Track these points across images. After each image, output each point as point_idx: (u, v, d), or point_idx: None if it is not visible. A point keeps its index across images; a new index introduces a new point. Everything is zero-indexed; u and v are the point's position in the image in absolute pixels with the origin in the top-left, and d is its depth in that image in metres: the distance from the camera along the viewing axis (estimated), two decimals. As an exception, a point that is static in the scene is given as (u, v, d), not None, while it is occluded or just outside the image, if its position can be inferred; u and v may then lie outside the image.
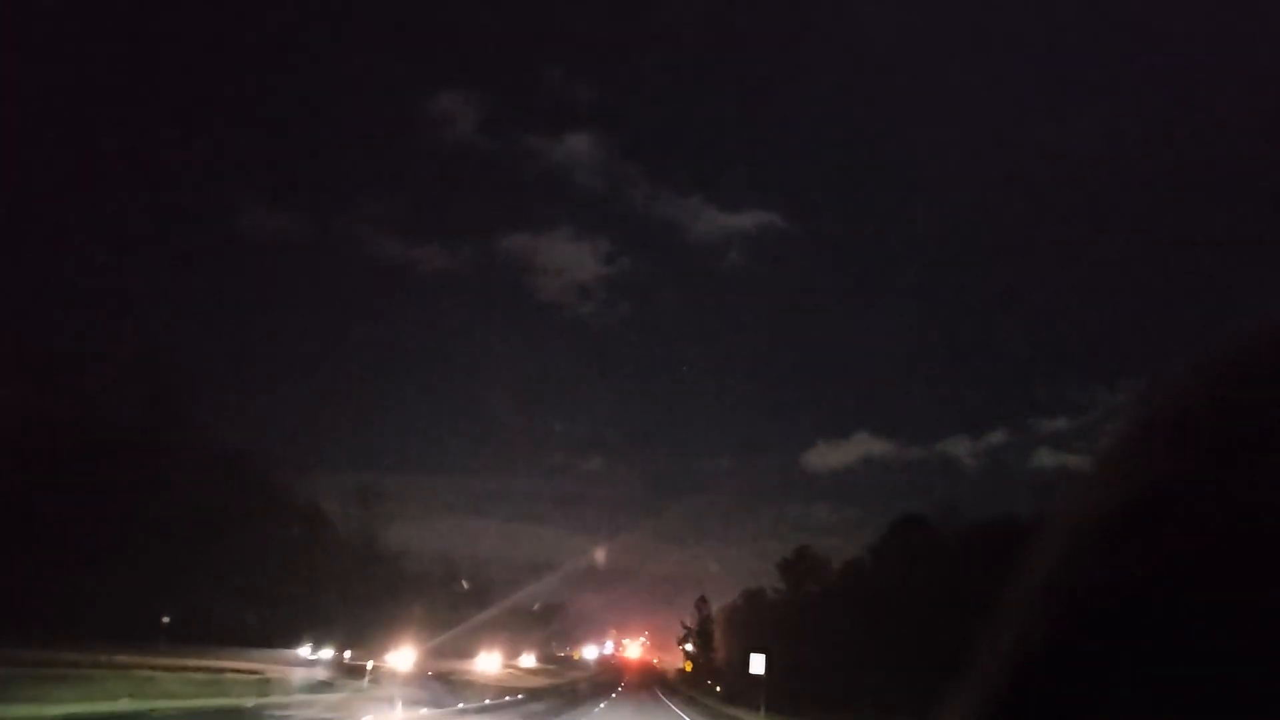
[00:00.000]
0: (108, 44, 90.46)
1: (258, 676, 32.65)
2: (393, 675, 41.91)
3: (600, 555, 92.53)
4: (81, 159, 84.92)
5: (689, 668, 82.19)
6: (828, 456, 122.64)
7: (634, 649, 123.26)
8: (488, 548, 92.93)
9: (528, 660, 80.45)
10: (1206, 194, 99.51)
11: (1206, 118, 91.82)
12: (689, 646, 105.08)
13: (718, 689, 59.60)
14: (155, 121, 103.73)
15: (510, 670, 64.96)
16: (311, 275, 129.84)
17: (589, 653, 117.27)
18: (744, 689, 59.86)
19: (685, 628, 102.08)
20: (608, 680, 77.85)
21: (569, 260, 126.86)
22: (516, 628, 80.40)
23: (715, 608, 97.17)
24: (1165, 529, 0.53)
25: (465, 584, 61.62)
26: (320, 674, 37.24)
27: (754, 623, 79.89)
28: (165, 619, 35.44)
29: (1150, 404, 0.61)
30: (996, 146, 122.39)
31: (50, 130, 79.41)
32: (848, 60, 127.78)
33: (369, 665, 40.61)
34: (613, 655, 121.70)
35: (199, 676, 30.06)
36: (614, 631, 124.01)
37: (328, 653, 44.63)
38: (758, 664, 56.65)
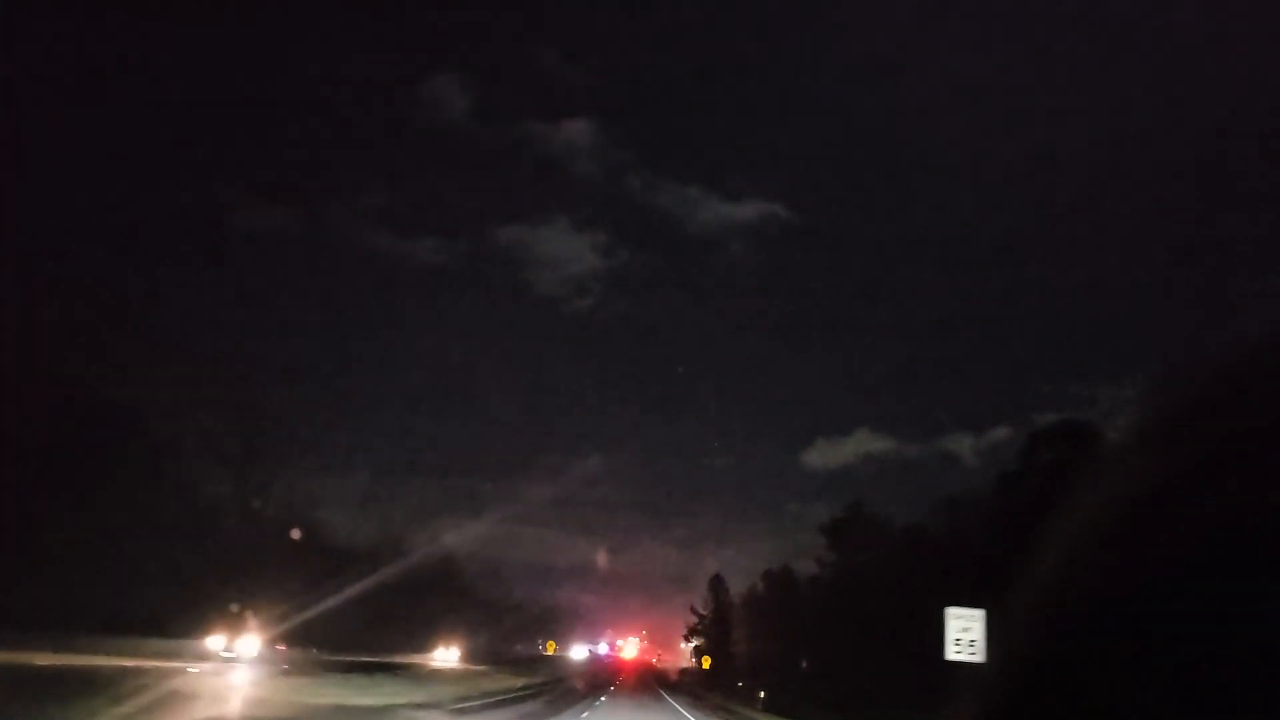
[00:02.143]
0: (93, 37, 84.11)
1: None
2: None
3: (602, 559, 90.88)
4: (67, 153, 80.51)
5: (707, 664, 63.01)
6: (827, 454, 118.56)
7: (630, 648, 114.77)
8: (483, 548, 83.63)
9: (447, 655, 59.12)
10: (1208, 193, 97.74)
11: (1207, 117, 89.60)
12: (693, 642, 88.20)
13: (761, 694, 41.08)
14: (141, 115, 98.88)
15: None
16: (302, 269, 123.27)
17: (577, 652, 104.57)
18: (813, 693, 41.46)
19: (698, 615, 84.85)
20: (593, 683, 60.75)
21: (566, 253, 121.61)
22: (474, 621, 64.86)
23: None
24: (1166, 529, 0.53)
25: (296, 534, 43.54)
26: None
27: (787, 608, 62.70)
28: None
29: (1151, 405, 0.61)
30: (1000, 142, 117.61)
31: (36, 125, 73.31)
32: (853, 46, 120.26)
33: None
34: (606, 655, 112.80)
35: None
36: (610, 631, 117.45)
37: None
38: (965, 630, 20.78)
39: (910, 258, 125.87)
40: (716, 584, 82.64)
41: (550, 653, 70.25)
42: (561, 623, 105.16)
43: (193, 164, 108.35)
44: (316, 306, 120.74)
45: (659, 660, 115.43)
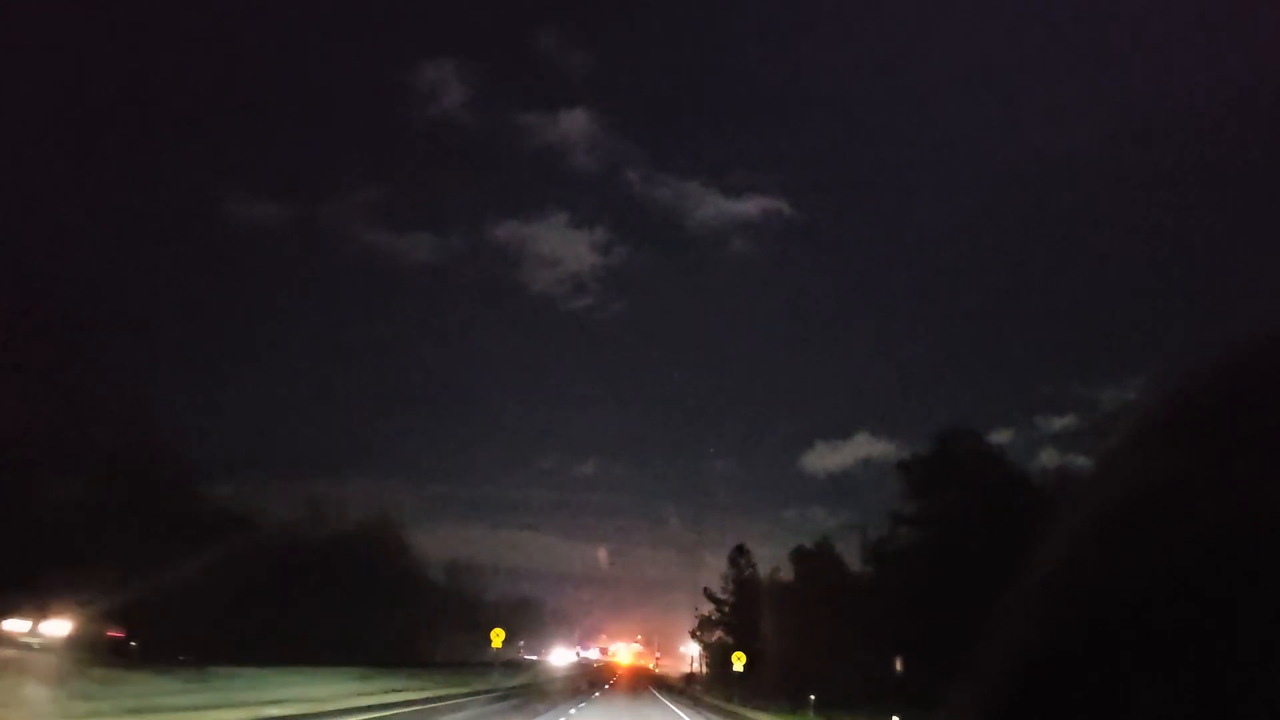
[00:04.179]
0: (83, 33, 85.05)
1: None
2: None
3: (603, 556, 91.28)
4: (59, 149, 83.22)
5: (740, 663, 44.98)
6: (827, 458, 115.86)
7: (624, 652, 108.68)
8: (476, 555, 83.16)
9: (49, 628, 30.51)
10: (1208, 193, 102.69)
11: (1207, 117, 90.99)
12: (706, 638, 71.12)
13: None
14: (131, 109, 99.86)
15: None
16: (287, 267, 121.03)
17: (558, 657, 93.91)
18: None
19: (715, 600, 66.88)
20: (589, 684, 48.86)
21: (564, 250, 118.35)
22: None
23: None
24: (1166, 529, 0.53)
25: None
26: None
27: (836, 591, 46.09)
28: None
29: (1150, 404, 0.61)
30: (1000, 142, 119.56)
31: (28, 121, 79.25)
32: (856, 40, 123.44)
33: None
34: (598, 659, 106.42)
35: None
36: (605, 636, 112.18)
37: None
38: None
39: (911, 258, 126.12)
40: (739, 558, 64.99)
41: (497, 647, 48.31)
42: (542, 621, 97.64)
43: (186, 159, 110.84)
44: (311, 304, 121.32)
45: (658, 665, 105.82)
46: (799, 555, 59.81)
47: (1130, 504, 0.56)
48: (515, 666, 69.44)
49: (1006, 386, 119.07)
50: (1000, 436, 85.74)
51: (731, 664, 45.17)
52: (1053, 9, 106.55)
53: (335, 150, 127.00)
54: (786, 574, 60.52)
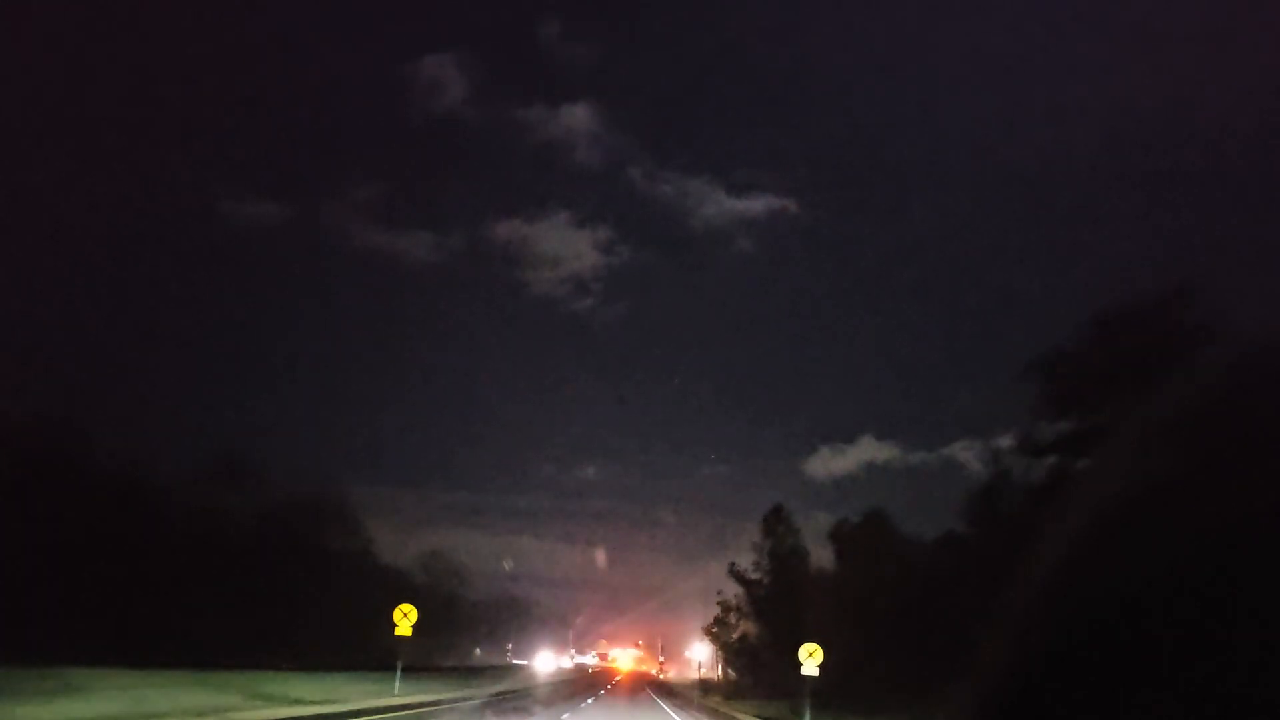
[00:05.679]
0: (83, 33, 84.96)
1: None
2: None
3: (600, 557, 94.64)
4: (59, 149, 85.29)
5: (814, 660, 31.66)
6: (830, 462, 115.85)
7: (624, 658, 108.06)
8: (472, 561, 77.69)
9: None
10: (1208, 193, 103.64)
11: (1207, 117, 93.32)
12: (727, 631, 58.52)
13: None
14: (131, 108, 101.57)
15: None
16: (286, 266, 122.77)
17: (543, 662, 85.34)
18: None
19: (745, 581, 52.08)
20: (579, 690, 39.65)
21: (565, 248, 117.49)
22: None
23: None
24: (1166, 529, 0.54)
25: None
26: None
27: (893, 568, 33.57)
28: None
29: (1149, 405, 0.61)
30: (1001, 143, 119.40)
31: (28, 121, 79.44)
32: (859, 37, 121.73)
33: None
34: (594, 665, 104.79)
35: None
36: (603, 641, 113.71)
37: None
38: None
39: (914, 257, 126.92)
40: (776, 524, 50.03)
41: (404, 635, 33.56)
42: (543, 626, 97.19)
43: (184, 157, 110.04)
44: (309, 305, 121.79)
45: (662, 670, 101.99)
46: (841, 531, 47.39)
47: (1130, 504, 0.56)
48: (477, 672, 56.66)
49: (1011, 389, 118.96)
50: (1006, 440, 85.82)
51: (791, 663, 31.94)
52: (1053, 9, 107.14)
53: (335, 148, 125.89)
54: (821, 559, 48.52)
